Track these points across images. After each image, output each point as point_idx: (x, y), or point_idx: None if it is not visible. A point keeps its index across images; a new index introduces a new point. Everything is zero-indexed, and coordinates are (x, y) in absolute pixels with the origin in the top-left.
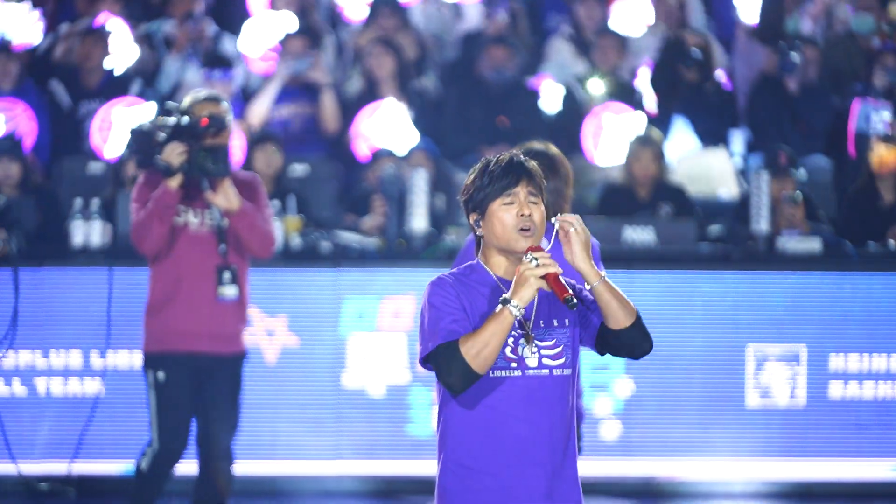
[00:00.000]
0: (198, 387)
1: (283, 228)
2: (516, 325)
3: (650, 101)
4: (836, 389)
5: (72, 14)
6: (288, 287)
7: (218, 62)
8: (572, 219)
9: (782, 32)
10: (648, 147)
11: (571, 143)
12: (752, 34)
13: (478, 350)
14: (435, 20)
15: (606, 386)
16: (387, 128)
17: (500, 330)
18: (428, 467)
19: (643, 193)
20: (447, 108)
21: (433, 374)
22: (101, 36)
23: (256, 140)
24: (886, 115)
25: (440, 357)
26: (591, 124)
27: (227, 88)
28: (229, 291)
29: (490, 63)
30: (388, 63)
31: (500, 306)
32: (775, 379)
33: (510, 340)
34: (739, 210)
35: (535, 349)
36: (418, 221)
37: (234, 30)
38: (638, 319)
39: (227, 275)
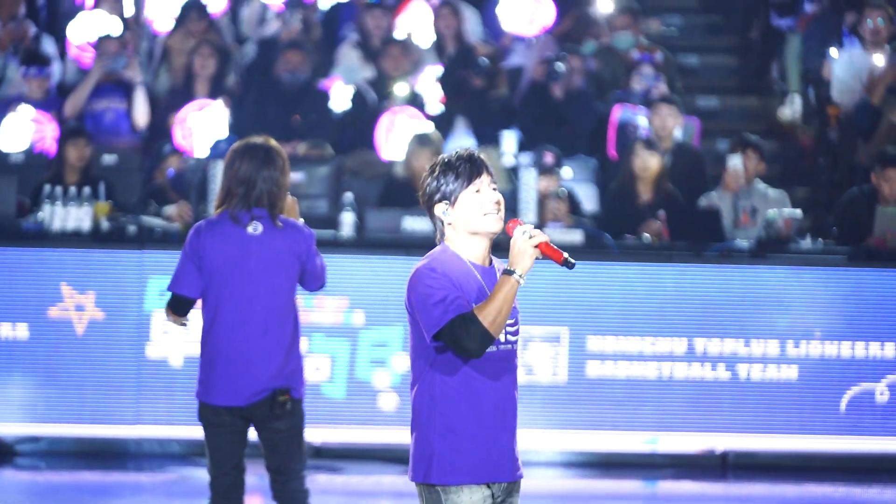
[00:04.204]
0: None
1: (92, 213)
2: None
3: (433, 103)
4: (593, 368)
5: None
6: (96, 266)
7: (36, 60)
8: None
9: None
10: (427, 145)
11: (357, 139)
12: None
13: (493, 317)
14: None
15: (385, 361)
16: (203, 125)
17: (510, 297)
18: None
19: None
20: (246, 107)
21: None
22: None
23: (69, 133)
24: (644, 119)
25: (457, 327)
26: (385, 122)
27: (44, 84)
28: None
29: (285, 66)
30: (211, 64)
31: (505, 276)
32: (538, 358)
33: None
34: (509, 203)
35: None
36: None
37: (53, 30)
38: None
39: None
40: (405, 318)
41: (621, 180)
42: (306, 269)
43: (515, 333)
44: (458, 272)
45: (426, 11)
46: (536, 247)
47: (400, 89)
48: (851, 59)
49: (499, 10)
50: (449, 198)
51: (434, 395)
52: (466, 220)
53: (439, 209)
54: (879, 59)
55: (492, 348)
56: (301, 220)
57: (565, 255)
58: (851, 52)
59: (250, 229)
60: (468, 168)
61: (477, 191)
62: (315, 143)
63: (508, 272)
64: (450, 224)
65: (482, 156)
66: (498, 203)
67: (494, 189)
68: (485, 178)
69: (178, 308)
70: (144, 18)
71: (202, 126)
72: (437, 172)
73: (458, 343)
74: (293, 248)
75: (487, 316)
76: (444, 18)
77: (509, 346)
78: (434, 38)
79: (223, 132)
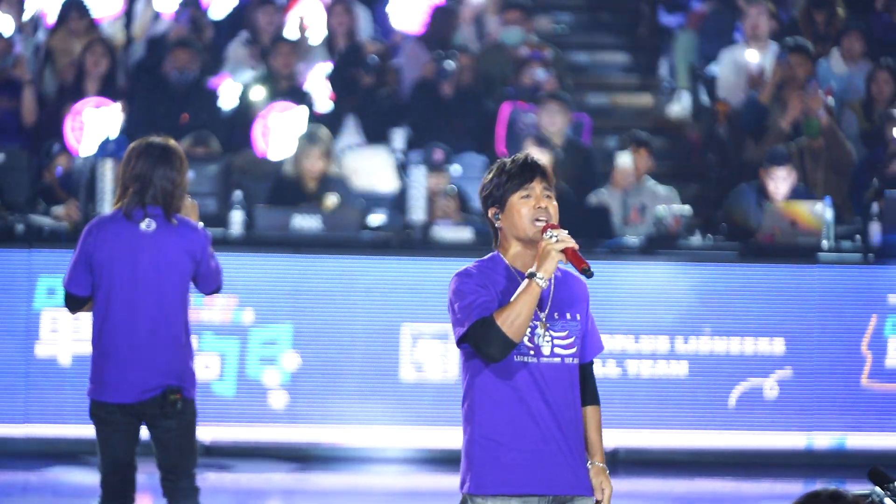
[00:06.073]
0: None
1: None
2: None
3: (322, 101)
4: None
5: None
6: None
7: None
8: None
9: (449, 42)
10: (316, 144)
11: (247, 138)
12: (420, 41)
13: (512, 320)
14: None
15: (275, 359)
16: (96, 123)
17: (529, 300)
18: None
19: (311, 185)
20: (134, 106)
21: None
22: None
23: None
24: (533, 116)
25: (478, 332)
26: (259, 126)
27: None
28: None
29: (174, 64)
30: (103, 63)
31: (526, 280)
32: (428, 356)
33: (528, 330)
34: (399, 201)
35: (548, 338)
36: (108, 208)
37: None
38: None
39: None
40: (295, 315)
41: None
42: (200, 270)
43: (569, 347)
44: (500, 280)
45: (316, 8)
46: (563, 251)
47: (256, 93)
48: (737, 56)
49: (389, 9)
50: (500, 201)
51: (473, 402)
52: (514, 226)
53: (491, 213)
54: (765, 57)
55: (532, 359)
56: (200, 224)
57: (587, 264)
58: (737, 50)
59: (143, 226)
60: (519, 171)
61: (526, 196)
62: (201, 139)
63: (530, 275)
64: (500, 229)
65: (541, 162)
66: (546, 210)
67: (549, 197)
68: (537, 185)
69: (71, 305)
70: (41, 14)
71: (95, 123)
72: (492, 175)
73: (478, 348)
74: (187, 246)
75: (506, 320)
76: (337, 16)
77: (557, 359)
78: (324, 35)
79: (114, 133)
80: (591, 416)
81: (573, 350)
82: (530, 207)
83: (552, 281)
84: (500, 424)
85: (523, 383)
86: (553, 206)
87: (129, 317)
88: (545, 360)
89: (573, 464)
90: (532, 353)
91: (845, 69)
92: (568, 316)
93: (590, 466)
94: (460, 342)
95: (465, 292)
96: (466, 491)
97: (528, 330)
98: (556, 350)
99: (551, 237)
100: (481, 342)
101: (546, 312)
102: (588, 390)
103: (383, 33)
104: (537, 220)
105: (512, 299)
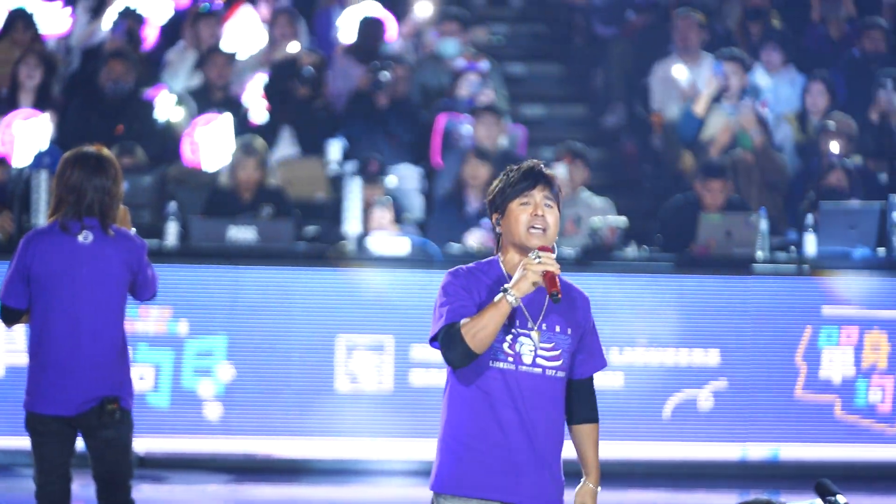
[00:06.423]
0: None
1: None
2: (517, 325)
3: (258, 112)
4: (418, 377)
5: None
6: None
7: None
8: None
9: (377, 53)
10: (252, 155)
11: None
12: (349, 53)
13: (475, 332)
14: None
15: (210, 370)
16: (26, 135)
17: (496, 315)
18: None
19: (246, 196)
20: (69, 117)
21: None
22: None
23: None
24: (468, 127)
25: (444, 336)
26: (186, 143)
27: None
28: None
29: (109, 75)
30: (37, 75)
31: (500, 294)
32: (363, 366)
33: (509, 337)
34: (334, 212)
35: (532, 348)
36: (42, 220)
37: None
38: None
39: None
40: (230, 326)
41: (452, 188)
42: (137, 279)
43: (554, 360)
44: (484, 283)
45: (253, 19)
46: (543, 274)
47: (175, 114)
48: (670, 67)
49: (339, 22)
50: (500, 207)
51: (447, 401)
52: (510, 232)
53: (493, 218)
54: (698, 68)
55: (509, 366)
56: (133, 230)
57: (558, 290)
58: (671, 61)
59: (81, 238)
60: (521, 177)
61: (525, 203)
62: (127, 149)
63: (503, 290)
64: (500, 234)
65: (548, 172)
66: (543, 219)
67: (549, 206)
68: (538, 193)
69: (8, 318)
70: None
71: (25, 135)
72: (498, 180)
73: (443, 352)
74: (124, 257)
75: (469, 330)
76: (280, 27)
77: (538, 369)
78: (264, 45)
79: (45, 144)
80: (588, 434)
81: (558, 363)
82: (528, 214)
83: (543, 291)
84: (467, 426)
85: (496, 389)
86: (553, 216)
87: (69, 329)
88: (524, 368)
89: (539, 476)
90: (510, 360)
91: (769, 80)
92: (557, 329)
93: (580, 484)
94: (431, 341)
95: (448, 293)
96: (431, 488)
97: (510, 337)
98: (539, 360)
99: (535, 257)
100: (444, 347)
101: (537, 322)
102: (586, 407)
103: (319, 44)
104: (533, 227)
105: (481, 311)
